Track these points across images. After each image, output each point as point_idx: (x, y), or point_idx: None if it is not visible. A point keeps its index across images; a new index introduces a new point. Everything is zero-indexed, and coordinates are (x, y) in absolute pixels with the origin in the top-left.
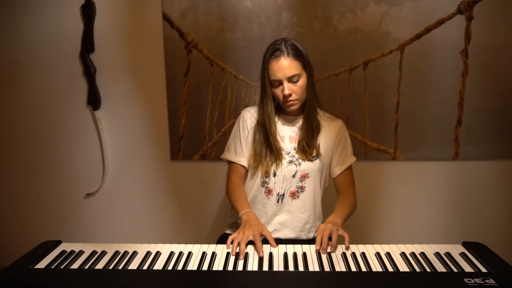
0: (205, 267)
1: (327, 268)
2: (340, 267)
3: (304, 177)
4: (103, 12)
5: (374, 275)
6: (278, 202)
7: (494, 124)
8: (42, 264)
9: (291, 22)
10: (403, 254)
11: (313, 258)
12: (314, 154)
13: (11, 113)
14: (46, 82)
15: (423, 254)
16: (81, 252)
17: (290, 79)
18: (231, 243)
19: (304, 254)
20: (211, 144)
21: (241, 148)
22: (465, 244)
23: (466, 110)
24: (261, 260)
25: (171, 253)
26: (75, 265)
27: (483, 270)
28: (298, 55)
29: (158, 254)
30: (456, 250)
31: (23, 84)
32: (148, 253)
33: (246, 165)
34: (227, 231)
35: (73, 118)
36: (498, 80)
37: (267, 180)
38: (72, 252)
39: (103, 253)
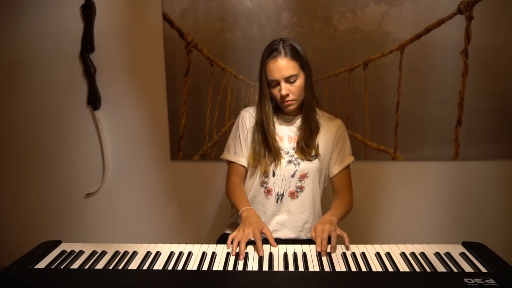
0: (205, 267)
1: (327, 268)
2: (340, 267)
3: (303, 177)
4: (103, 12)
5: (374, 275)
6: (277, 202)
7: (494, 124)
8: (42, 264)
9: (291, 22)
10: (403, 254)
11: (313, 258)
12: (313, 154)
13: (11, 113)
14: (46, 82)
15: (423, 254)
16: (81, 252)
17: (287, 80)
18: (231, 242)
19: (304, 254)
20: (211, 144)
21: (240, 148)
22: (465, 244)
23: (466, 110)
24: (261, 260)
25: (171, 253)
26: (75, 265)
27: (483, 270)
28: (295, 55)
29: (158, 254)
30: (456, 250)
31: (23, 84)
32: (148, 253)
33: (245, 165)
34: (227, 231)
35: (73, 118)
36: (498, 80)
37: (266, 180)
38: (72, 252)
39: (103, 253)
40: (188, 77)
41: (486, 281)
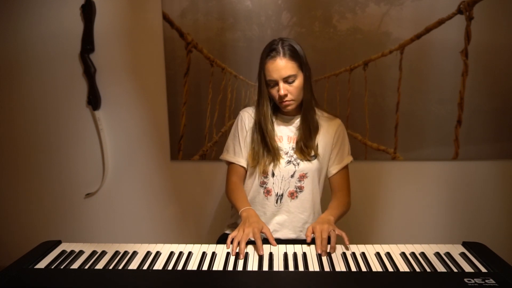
0: (205, 267)
1: (327, 268)
2: (340, 267)
3: (302, 177)
4: (103, 12)
5: (374, 275)
6: (277, 202)
7: (494, 124)
8: (42, 264)
9: (291, 22)
10: (403, 254)
11: (313, 258)
12: (312, 154)
13: (11, 113)
14: (46, 82)
15: (423, 254)
16: (81, 252)
17: (286, 80)
18: (231, 242)
19: (304, 254)
20: (211, 144)
21: (240, 149)
22: (465, 244)
23: (466, 110)
24: (261, 260)
25: (171, 253)
26: (75, 265)
27: (483, 270)
28: (294, 55)
29: (158, 254)
30: (456, 250)
31: (23, 84)
32: (148, 253)
33: (245, 166)
34: (227, 231)
35: (73, 118)
36: (498, 80)
37: (265, 180)
38: (72, 252)
39: (103, 253)
40: (188, 77)
41: (486, 281)
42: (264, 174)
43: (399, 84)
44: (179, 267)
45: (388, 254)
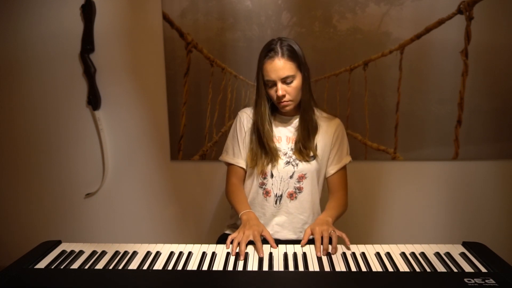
0: (205, 267)
1: (327, 268)
2: (340, 267)
3: (301, 177)
4: (103, 12)
5: (374, 275)
6: (276, 203)
7: (494, 124)
8: (42, 264)
9: (291, 22)
10: (403, 254)
11: (313, 258)
12: (311, 155)
13: (11, 113)
14: (46, 82)
15: (423, 254)
16: (81, 252)
17: (284, 80)
18: (231, 243)
19: (304, 254)
20: (211, 144)
21: (238, 150)
22: (465, 244)
23: (466, 110)
24: (261, 260)
25: (171, 253)
26: (75, 265)
27: (483, 270)
28: (293, 56)
29: (158, 254)
30: (456, 250)
31: (23, 84)
32: (148, 253)
33: (244, 166)
34: (227, 232)
35: (73, 118)
36: (498, 80)
37: (265, 181)
38: (72, 252)
39: (103, 253)
40: (188, 77)
41: (486, 281)
42: (263, 175)
43: (399, 84)
44: (179, 267)
45: (388, 254)
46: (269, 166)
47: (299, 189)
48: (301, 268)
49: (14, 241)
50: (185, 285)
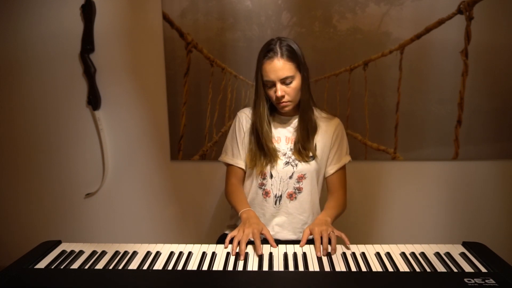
0: (205, 267)
1: (327, 268)
2: (340, 267)
3: (301, 178)
4: (103, 12)
5: (374, 275)
6: (275, 203)
7: (494, 124)
8: (42, 264)
9: (291, 22)
10: (403, 254)
11: (313, 258)
12: (310, 155)
13: (11, 113)
14: (46, 82)
15: (423, 254)
16: (81, 252)
17: (283, 81)
18: (231, 241)
19: (304, 254)
20: (211, 144)
21: (238, 150)
22: (465, 244)
23: (466, 110)
24: (261, 260)
25: (171, 253)
26: (75, 265)
27: (483, 270)
28: (292, 56)
29: (158, 254)
30: (456, 250)
31: (23, 84)
32: (148, 253)
33: (243, 167)
34: (227, 232)
35: (73, 118)
36: (498, 80)
37: (264, 182)
38: (72, 252)
39: (103, 253)
40: (188, 77)
41: (486, 281)
42: (262, 175)
43: (399, 84)
44: (179, 267)
45: (388, 254)
46: (268, 166)
47: (299, 190)
48: (301, 268)
49: (14, 241)
50: (185, 285)
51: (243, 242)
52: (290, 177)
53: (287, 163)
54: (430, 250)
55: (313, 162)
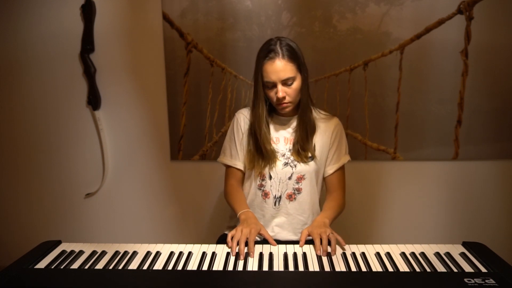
0: (205, 267)
1: (327, 268)
2: (340, 267)
3: (300, 178)
4: (103, 12)
5: (374, 275)
6: (275, 204)
7: (494, 124)
8: (42, 264)
9: (291, 22)
10: (403, 254)
11: (313, 258)
12: (309, 156)
13: (11, 113)
14: (46, 82)
15: (423, 254)
16: (81, 252)
17: (285, 82)
18: (231, 241)
19: (304, 254)
20: (211, 144)
21: (236, 151)
22: (465, 244)
23: (466, 110)
24: (261, 260)
25: (171, 253)
26: (75, 265)
27: (483, 270)
28: (293, 56)
29: (158, 254)
30: (456, 250)
31: (23, 84)
32: (148, 253)
33: (242, 168)
34: (227, 232)
35: (73, 118)
36: (498, 80)
37: (263, 183)
38: (72, 252)
39: (103, 253)
40: (188, 77)
41: (486, 281)
42: (261, 176)
43: (399, 84)
44: (179, 267)
45: (388, 254)
46: (267, 168)
47: (298, 190)
48: (301, 268)
49: (14, 241)
50: (185, 285)
51: (242, 242)
52: (289, 178)
53: (286, 164)
54: (430, 250)
55: (312, 163)
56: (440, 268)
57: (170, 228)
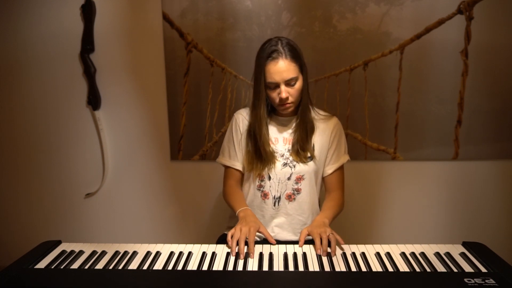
0: (205, 267)
1: (327, 268)
2: (340, 267)
3: (299, 179)
4: (103, 12)
5: (374, 275)
6: (274, 205)
7: (494, 124)
8: (42, 264)
9: (291, 22)
10: (403, 254)
11: (313, 258)
12: (308, 156)
13: (11, 113)
14: (46, 82)
15: (423, 254)
16: (81, 252)
17: (288, 82)
18: (231, 239)
19: (304, 254)
20: (211, 144)
21: (234, 152)
22: (465, 244)
23: (466, 110)
24: (261, 260)
25: (171, 253)
26: (75, 265)
27: (483, 270)
28: (295, 56)
29: (158, 254)
30: (456, 250)
31: (23, 84)
32: (148, 253)
33: (240, 169)
34: (226, 232)
35: (73, 118)
36: (498, 80)
37: (262, 183)
38: (72, 252)
39: (103, 253)
40: (188, 77)
41: (486, 281)
42: (260, 177)
43: (399, 84)
44: (179, 267)
45: (388, 254)
46: (266, 169)
47: (297, 191)
48: (301, 268)
49: (14, 241)
50: (185, 285)
51: (241, 241)
52: (289, 179)
53: (285, 164)
54: (430, 250)
55: (311, 163)
56: (440, 268)
57: (170, 228)
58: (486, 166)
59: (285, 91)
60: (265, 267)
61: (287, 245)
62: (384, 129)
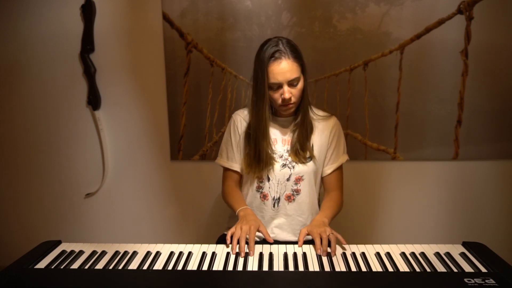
0: (205, 267)
1: (327, 268)
2: (340, 267)
3: (298, 180)
4: (103, 12)
5: (374, 275)
6: (274, 206)
7: (494, 124)
8: (42, 264)
9: (291, 22)
10: (403, 254)
11: (313, 258)
12: (307, 156)
13: (11, 113)
14: (46, 82)
15: (423, 254)
16: (81, 252)
17: (291, 83)
18: (231, 238)
19: (304, 254)
20: (211, 144)
21: (233, 153)
22: (465, 244)
23: (466, 110)
24: (261, 260)
25: (171, 253)
26: (75, 265)
27: (483, 270)
28: (297, 56)
29: (158, 254)
30: (456, 250)
31: (23, 84)
32: (148, 253)
33: (239, 170)
34: (226, 232)
35: (73, 118)
36: (498, 80)
37: (261, 185)
38: (72, 252)
39: (103, 253)
40: (188, 77)
41: (486, 281)
42: (259, 178)
43: (399, 84)
44: (179, 267)
45: (388, 254)
46: (265, 170)
47: (297, 191)
48: (301, 268)
49: (14, 241)
50: (185, 285)
51: (242, 239)
52: (288, 180)
53: (284, 165)
54: (430, 250)
55: (310, 163)
56: (440, 268)
57: (170, 228)
58: (486, 166)
59: (288, 92)
60: (265, 267)
61: (287, 245)
62: (384, 129)
